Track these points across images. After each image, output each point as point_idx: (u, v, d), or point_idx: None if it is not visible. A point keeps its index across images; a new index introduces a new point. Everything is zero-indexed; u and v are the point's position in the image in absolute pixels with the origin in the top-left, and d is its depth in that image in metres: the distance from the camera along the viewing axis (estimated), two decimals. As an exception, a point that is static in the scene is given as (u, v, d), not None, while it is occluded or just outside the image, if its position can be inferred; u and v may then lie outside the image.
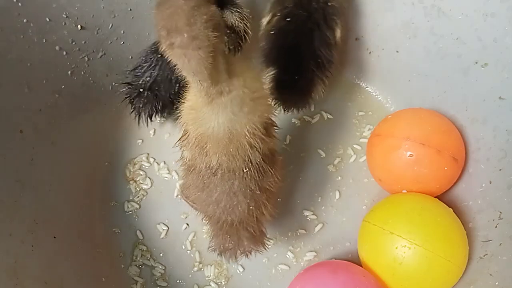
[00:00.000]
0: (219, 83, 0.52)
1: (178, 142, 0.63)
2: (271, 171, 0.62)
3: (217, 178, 0.59)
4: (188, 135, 0.59)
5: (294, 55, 0.78)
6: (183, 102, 0.59)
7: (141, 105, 0.82)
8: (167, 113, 0.86)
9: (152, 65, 0.79)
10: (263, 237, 0.68)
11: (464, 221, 0.73)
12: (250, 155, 0.57)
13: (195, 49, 0.47)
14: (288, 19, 0.77)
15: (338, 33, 0.79)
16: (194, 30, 0.46)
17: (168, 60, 0.59)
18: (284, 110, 0.83)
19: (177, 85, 0.79)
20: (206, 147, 0.57)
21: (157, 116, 0.85)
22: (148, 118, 0.83)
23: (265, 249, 0.69)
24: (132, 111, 0.84)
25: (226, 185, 0.59)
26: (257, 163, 0.59)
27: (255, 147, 0.57)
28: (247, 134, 0.55)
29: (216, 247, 0.67)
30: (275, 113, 0.62)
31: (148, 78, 0.80)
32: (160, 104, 0.81)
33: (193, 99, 0.57)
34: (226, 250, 0.67)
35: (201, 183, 0.61)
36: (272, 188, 0.63)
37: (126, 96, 0.83)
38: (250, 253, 0.67)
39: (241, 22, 0.78)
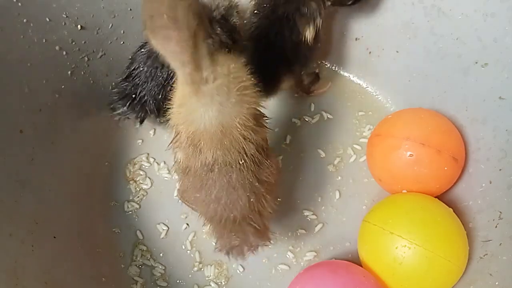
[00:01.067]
0: (202, 69, 0.53)
1: (170, 145, 0.63)
2: (267, 161, 0.62)
3: (215, 173, 0.59)
4: (180, 136, 0.59)
5: (261, 48, 0.78)
6: (172, 104, 0.60)
7: (138, 112, 0.81)
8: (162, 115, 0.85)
9: (139, 71, 0.78)
10: (268, 231, 0.67)
11: (464, 221, 0.73)
12: (244, 147, 0.58)
13: (175, 30, 0.49)
14: (256, 11, 0.78)
15: (307, 32, 0.78)
16: (174, 12, 0.49)
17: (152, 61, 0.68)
18: None
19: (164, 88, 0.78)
20: (199, 144, 0.57)
21: (154, 117, 0.84)
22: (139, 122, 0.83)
23: (271, 242, 0.68)
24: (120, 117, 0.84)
25: (224, 179, 0.59)
26: (252, 155, 0.59)
27: (248, 138, 0.58)
28: (238, 126, 0.56)
29: (222, 248, 0.66)
30: (263, 104, 0.62)
31: (137, 86, 0.79)
32: (154, 108, 0.80)
33: (180, 94, 0.58)
34: (233, 248, 0.66)
35: (199, 183, 0.61)
36: (270, 179, 0.63)
37: (118, 101, 0.81)
38: (257, 248, 0.67)
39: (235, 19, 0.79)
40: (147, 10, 0.51)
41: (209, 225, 0.67)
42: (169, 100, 0.69)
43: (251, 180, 0.60)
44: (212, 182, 0.60)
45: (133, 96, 0.79)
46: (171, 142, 0.63)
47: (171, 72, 0.75)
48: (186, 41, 0.50)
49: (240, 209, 0.61)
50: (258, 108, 0.60)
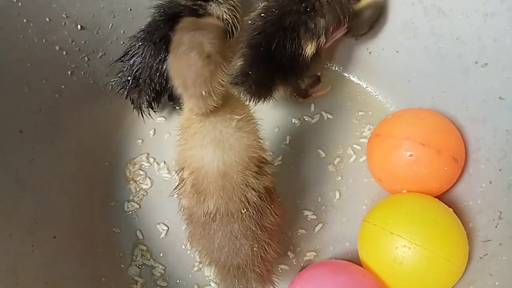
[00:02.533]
0: (211, 101, 0.53)
1: (175, 192, 0.63)
2: (270, 208, 0.61)
3: (216, 223, 0.59)
4: (185, 184, 0.60)
5: (260, 54, 0.78)
6: (177, 146, 0.60)
7: (137, 96, 0.82)
8: (163, 99, 0.86)
9: (135, 52, 0.79)
10: (271, 275, 0.67)
11: (464, 221, 0.73)
12: (246, 195, 0.57)
13: (200, 62, 0.50)
14: (263, 15, 0.77)
15: (308, 48, 0.78)
16: (204, 47, 0.50)
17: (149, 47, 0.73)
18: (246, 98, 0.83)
19: (164, 71, 0.79)
20: (203, 191, 0.57)
21: (155, 104, 0.85)
22: (149, 108, 0.84)
23: (274, 286, 0.68)
24: (133, 107, 0.85)
25: (226, 229, 0.59)
26: (254, 203, 0.58)
27: (250, 185, 0.57)
28: (240, 171, 0.56)
29: None
30: (267, 152, 0.62)
31: (133, 67, 0.80)
32: (153, 91, 0.81)
33: (185, 130, 0.58)
34: None
35: (202, 231, 0.61)
36: (273, 226, 0.62)
37: (120, 88, 0.83)
38: None
39: (229, 15, 0.78)
40: (184, 39, 0.51)
41: (214, 268, 0.66)
42: (163, 82, 0.75)
43: (253, 229, 0.60)
44: (214, 232, 0.60)
45: (129, 78, 0.80)
46: (175, 189, 0.63)
47: (166, 53, 0.76)
48: (206, 75, 0.51)
49: (243, 257, 0.61)
50: (263, 155, 0.60)
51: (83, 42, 0.81)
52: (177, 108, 0.90)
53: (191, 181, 0.58)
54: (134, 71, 0.80)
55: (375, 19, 0.85)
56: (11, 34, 0.71)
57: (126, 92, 0.83)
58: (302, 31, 0.76)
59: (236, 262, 0.61)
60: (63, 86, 0.80)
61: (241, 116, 0.57)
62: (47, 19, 0.75)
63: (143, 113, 0.85)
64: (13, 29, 0.71)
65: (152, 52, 0.78)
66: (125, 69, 0.81)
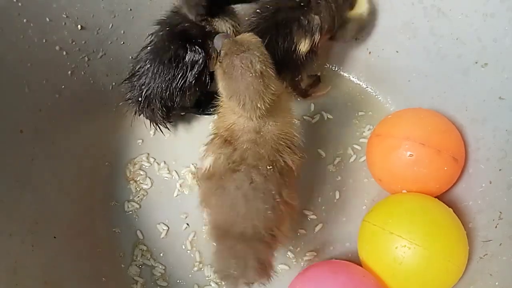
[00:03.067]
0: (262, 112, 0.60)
1: (203, 149, 0.65)
2: (291, 185, 0.63)
3: (240, 174, 0.59)
4: (217, 137, 0.63)
5: None
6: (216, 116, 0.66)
7: (151, 114, 0.83)
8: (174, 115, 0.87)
9: (143, 72, 0.79)
10: (270, 269, 0.64)
11: (464, 221, 0.73)
12: (275, 156, 0.60)
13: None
14: (258, 10, 0.77)
15: (301, 45, 0.77)
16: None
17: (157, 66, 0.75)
18: None
19: (174, 87, 0.79)
20: (234, 141, 0.61)
21: (169, 117, 0.86)
22: (165, 122, 0.86)
23: (269, 282, 0.65)
24: (150, 123, 0.87)
25: (247, 183, 0.59)
26: (281, 166, 0.61)
27: (280, 152, 0.61)
28: (273, 136, 0.61)
29: (219, 272, 0.64)
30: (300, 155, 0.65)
31: (142, 87, 0.79)
32: (165, 107, 0.81)
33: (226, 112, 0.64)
34: (229, 278, 0.63)
35: (221, 187, 0.61)
36: (292, 201, 0.63)
37: (135, 110, 0.84)
38: (253, 284, 0.64)
39: (233, 31, 0.78)
40: (236, 62, 0.58)
41: (215, 243, 0.64)
42: (175, 99, 0.78)
43: (273, 192, 0.60)
44: (235, 187, 0.60)
45: (140, 99, 0.80)
46: (205, 144, 0.65)
47: (177, 70, 0.77)
48: (262, 90, 0.58)
49: (257, 220, 0.60)
50: (295, 144, 0.64)
51: (83, 42, 0.81)
52: (186, 113, 0.91)
53: (225, 136, 0.62)
54: (145, 92, 0.79)
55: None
56: (11, 34, 0.71)
57: (139, 112, 0.83)
58: (295, 27, 0.76)
59: (251, 225, 0.60)
60: (63, 86, 0.80)
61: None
62: (47, 19, 0.75)
63: (161, 130, 0.88)
64: (13, 29, 0.71)
65: (162, 73, 0.77)
66: (134, 90, 0.81)
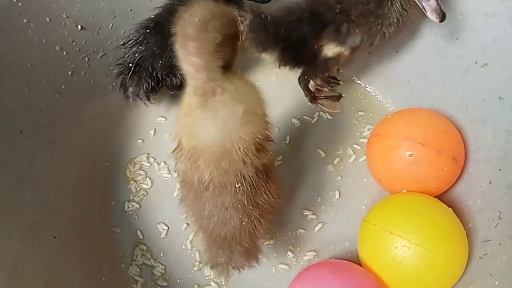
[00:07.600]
0: (213, 80, 0.53)
1: (172, 154, 0.63)
2: (265, 186, 0.61)
3: (209, 192, 0.59)
4: (182, 148, 0.59)
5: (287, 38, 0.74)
6: (179, 112, 0.59)
7: (135, 83, 0.82)
8: (161, 89, 0.85)
9: (140, 40, 0.79)
10: (257, 252, 0.66)
11: (464, 221, 0.73)
12: (242, 170, 0.57)
13: (204, 32, 0.50)
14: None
15: (326, 47, 0.75)
16: (208, 16, 0.51)
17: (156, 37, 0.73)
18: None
19: (167, 61, 0.79)
20: (198, 161, 0.57)
21: (153, 95, 0.84)
22: (146, 98, 0.83)
23: (258, 264, 0.67)
24: (126, 96, 0.84)
25: (218, 199, 0.59)
26: (250, 178, 0.58)
27: (248, 162, 0.56)
28: (239, 150, 0.55)
29: (208, 261, 0.66)
30: (272, 130, 0.61)
31: (136, 54, 0.80)
32: (154, 80, 0.81)
33: (187, 103, 0.57)
34: (218, 265, 0.65)
35: (194, 197, 0.61)
36: (265, 204, 0.62)
37: (119, 74, 0.83)
38: (243, 268, 0.66)
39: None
40: (199, 10, 0.52)
41: (201, 235, 0.66)
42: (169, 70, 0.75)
43: (245, 203, 0.59)
44: (205, 199, 0.60)
45: (130, 65, 0.80)
46: (172, 152, 0.62)
47: (170, 43, 0.74)
48: (208, 47, 0.51)
49: (231, 229, 0.61)
50: (265, 133, 0.59)
51: (83, 42, 0.81)
52: (175, 92, 0.89)
53: (188, 149, 0.58)
54: (137, 59, 0.79)
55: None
56: (11, 34, 0.71)
57: (124, 78, 0.82)
58: (329, 27, 0.72)
59: (224, 233, 0.61)
60: (63, 86, 0.80)
61: (247, 103, 0.56)
62: (48, 19, 0.75)
63: (140, 99, 0.84)
64: (13, 29, 0.71)
65: (159, 43, 0.78)
66: (126, 56, 0.81)
